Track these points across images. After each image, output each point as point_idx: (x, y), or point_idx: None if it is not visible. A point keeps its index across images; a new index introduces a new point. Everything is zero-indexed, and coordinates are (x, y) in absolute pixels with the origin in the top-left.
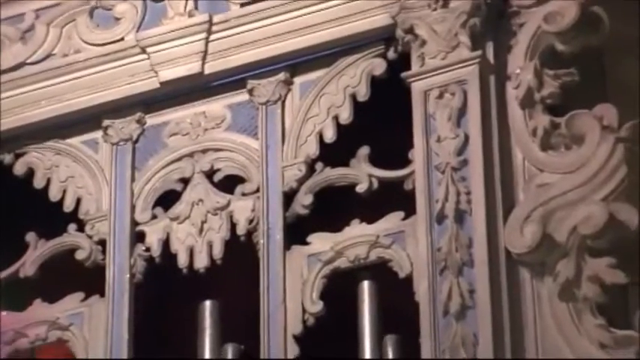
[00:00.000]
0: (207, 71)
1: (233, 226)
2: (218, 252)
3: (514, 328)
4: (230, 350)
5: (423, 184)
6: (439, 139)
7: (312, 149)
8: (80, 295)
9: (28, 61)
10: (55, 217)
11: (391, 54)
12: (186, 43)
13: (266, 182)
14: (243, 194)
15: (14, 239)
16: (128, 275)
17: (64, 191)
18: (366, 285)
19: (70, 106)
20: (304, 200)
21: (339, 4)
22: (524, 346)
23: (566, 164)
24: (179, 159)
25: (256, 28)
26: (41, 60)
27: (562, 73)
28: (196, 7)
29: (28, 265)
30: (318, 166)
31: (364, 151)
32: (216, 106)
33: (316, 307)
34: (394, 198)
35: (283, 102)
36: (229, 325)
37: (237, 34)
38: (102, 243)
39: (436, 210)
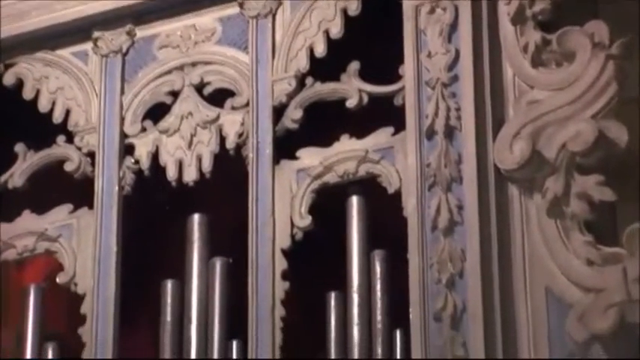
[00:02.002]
0: None
1: (222, 139)
2: (207, 165)
3: (502, 244)
4: (218, 264)
5: (412, 99)
6: (430, 54)
7: (303, 64)
8: (69, 206)
9: None
10: (44, 129)
11: None
12: None
13: (256, 96)
14: (233, 108)
15: (3, 150)
16: (117, 188)
17: (54, 102)
18: (354, 200)
19: (60, 17)
20: (294, 115)
21: None
22: (512, 262)
23: (556, 81)
24: (169, 72)
25: None
26: None
27: None
28: None
29: (16, 176)
30: (309, 80)
31: (354, 66)
32: (207, 19)
33: (305, 221)
34: (384, 113)
35: (274, 16)
36: (217, 238)
37: None
38: (91, 155)
39: (426, 126)
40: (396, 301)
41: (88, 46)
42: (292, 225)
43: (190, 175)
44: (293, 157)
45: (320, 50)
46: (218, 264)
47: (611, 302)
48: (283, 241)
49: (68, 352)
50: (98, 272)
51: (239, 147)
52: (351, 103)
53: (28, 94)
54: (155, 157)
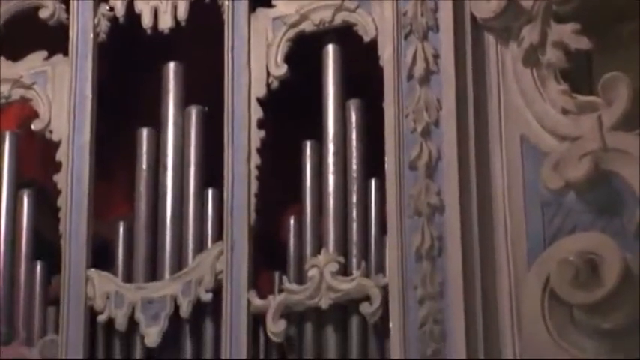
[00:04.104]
0: None
1: None
2: (183, 13)
3: (477, 93)
4: (194, 112)
5: None
6: None
7: None
8: (43, 53)
9: None
10: None
11: None
12: None
13: None
14: None
15: None
16: (92, 35)
17: None
18: (330, 49)
19: None
20: None
21: None
22: (487, 110)
23: None
24: None
25: None
26: None
27: None
28: None
29: None
30: None
31: None
32: None
33: (280, 70)
34: None
35: None
36: (193, 87)
37: None
38: (65, 1)
39: None
40: (372, 150)
41: None
42: (268, 73)
43: (166, 23)
44: (269, 5)
45: None
46: (194, 112)
47: (586, 150)
48: (259, 89)
49: (44, 199)
50: (73, 119)
51: None
52: None
53: None
54: (130, 4)
